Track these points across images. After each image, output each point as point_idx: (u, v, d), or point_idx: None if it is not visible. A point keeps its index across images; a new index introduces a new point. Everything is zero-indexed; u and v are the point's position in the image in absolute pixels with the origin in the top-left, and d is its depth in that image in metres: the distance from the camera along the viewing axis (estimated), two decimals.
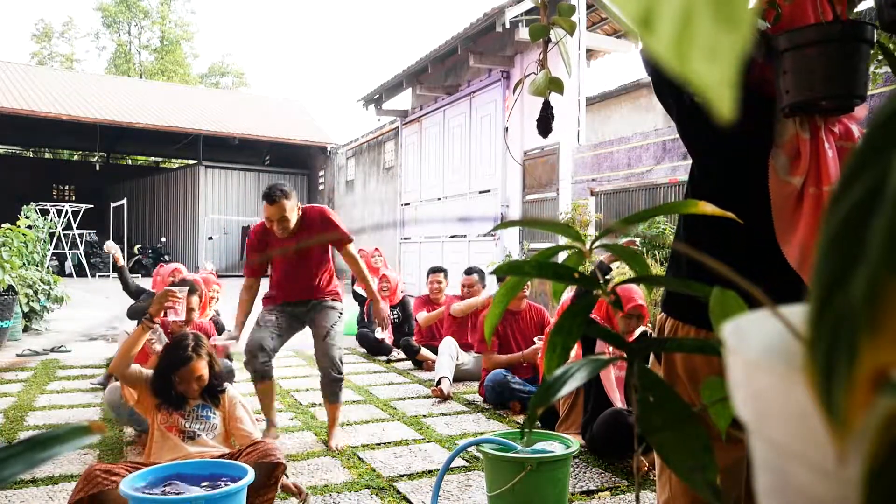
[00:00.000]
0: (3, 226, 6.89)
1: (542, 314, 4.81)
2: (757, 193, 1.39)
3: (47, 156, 28.08)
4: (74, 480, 2.81)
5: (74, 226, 16.16)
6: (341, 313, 3.55)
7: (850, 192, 0.26)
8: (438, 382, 4.55)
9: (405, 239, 12.76)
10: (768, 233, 1.40)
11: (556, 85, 1.73)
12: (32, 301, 6.94)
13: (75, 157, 28.17)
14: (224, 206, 18.52)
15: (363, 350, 6.46)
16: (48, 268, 8.04)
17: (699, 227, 1.52)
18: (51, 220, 10.08)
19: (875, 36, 1.30)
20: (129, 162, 26.71)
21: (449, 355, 4.82)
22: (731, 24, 0.25)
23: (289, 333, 3.55)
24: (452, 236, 11.07)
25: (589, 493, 2.76)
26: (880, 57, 2.60)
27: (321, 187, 18.64)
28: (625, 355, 0.58)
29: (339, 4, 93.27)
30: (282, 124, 19.72)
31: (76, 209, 16.20)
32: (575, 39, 8.30)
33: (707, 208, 0.59)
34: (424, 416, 4.01)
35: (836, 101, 1.29)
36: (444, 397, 4.45)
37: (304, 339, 7.09)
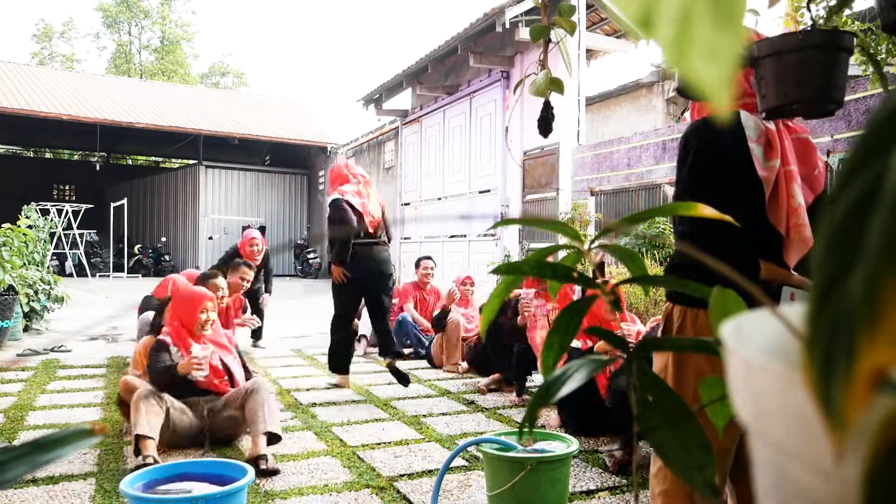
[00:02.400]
0: (3, 226, 6.89)
1: (439, 294, 6.49)
2: (743, 189, 1.62)
3: (47, 156, 28.09)
4: (75, 480, 2.81)
5: (75, 226, 16.16)
6: None
7: (848, 191, 0.26)
8: (358, 339, 6.18)
9: (405, 239, 12.76)
10: (759, 231, 1.61)
11: (556, 85, 1.73)
12: (33, 301, 6.94)
13: (75, 157, 28.17)
14: (224, 206, 18.52)
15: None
16: (48, 268, 8.04)
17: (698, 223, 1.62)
18: (51, 220, 10.08)
19: (854, 44, 1.36)
20: (129, 162, 26.71)
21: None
22: (730, 25, 0.25)
23: None
24: (452, 236, 11.07)
25: (589, 493, 2.76)
26: (880, 57, 2.60)
27: (321, 187, 18.65)
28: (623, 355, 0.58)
29: (339, 4, 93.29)
30: (282, 124, 19.72)
31: (76, 209, 16.20)
32: (575, 39, 8.30)
33: (705, 211, 0.59)
34: (424, 416, 4.01)
35: (807, 105, 1.36)
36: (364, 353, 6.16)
37: (305, 339, 7.10)
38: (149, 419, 2.97)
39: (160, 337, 3.40)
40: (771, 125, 1.60)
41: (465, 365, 5.45)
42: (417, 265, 6.70)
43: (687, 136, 1.69)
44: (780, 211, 1.59)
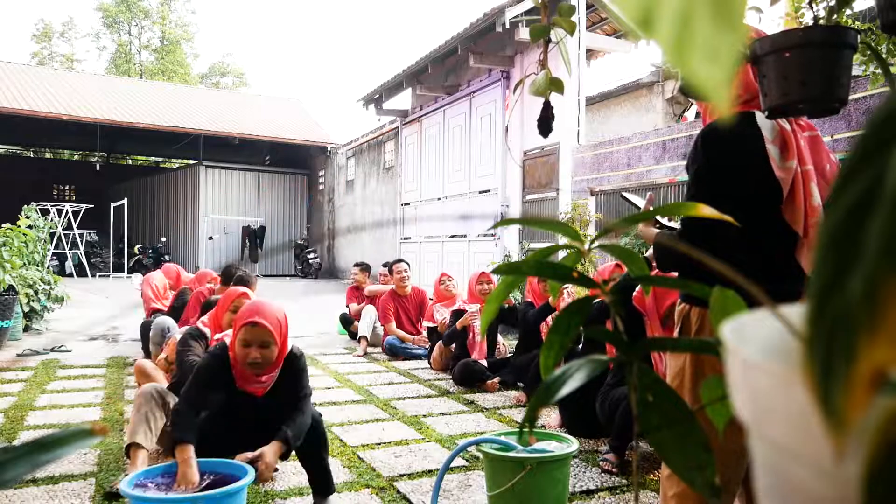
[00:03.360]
0: (3, 226, 6.89)
1: (422, 295, 6.45)
2: (755, 190, 1.64)
3: (47, 156, 28.07)
4: (75, 480, 2.81)
5: (75, 226, 16.15)
6: None
7: (848, 191, 0.26)
8: (359, 340, 6.33)
9: (405, 239, 12.76)
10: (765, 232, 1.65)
11: (556, 85, 1.73)
12: (33, 301, 6.94)
13: (75, 157, 28.15)
14: (224, 206, 18.51)
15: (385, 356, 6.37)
16: (48, 267, 8.04)
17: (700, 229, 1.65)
18: (51, 220, 10.08)
19: (857, 40, 1.34)
20: (130, 162, 26.70)
21: (369, 318, 6.44)
22: (730, 25, 0.25)
23: None
24: (452, 236, 11.06)
25: (589, 493, 2.76)
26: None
27: (321, 187, 18.65)
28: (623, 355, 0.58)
29: (339, 4, 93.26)
30: (282, 124, 19.71)
31: (76, 209, 16.20)
32: (575, 39, 8.30)
33: (706, 211, 0.59)
34: (424, 416, 4.01)
35: (812, 104, 1.34)
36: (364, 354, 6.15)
37: (305, 339, 7.10)
38: (147, 426, 2.71)
39: (199, 325, 3.25)
40: (786, 125, 1.60)
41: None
42: (390, 271, 6.55)
43: (700, 139, 1.68)
44: (797, 211, 1.59)
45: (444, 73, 11.41)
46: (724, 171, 1.62)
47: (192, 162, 19.62)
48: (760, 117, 1.61)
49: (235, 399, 2.44)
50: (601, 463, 3.06)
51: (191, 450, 2.24)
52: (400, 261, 6.61)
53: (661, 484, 1.75)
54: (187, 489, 2.17)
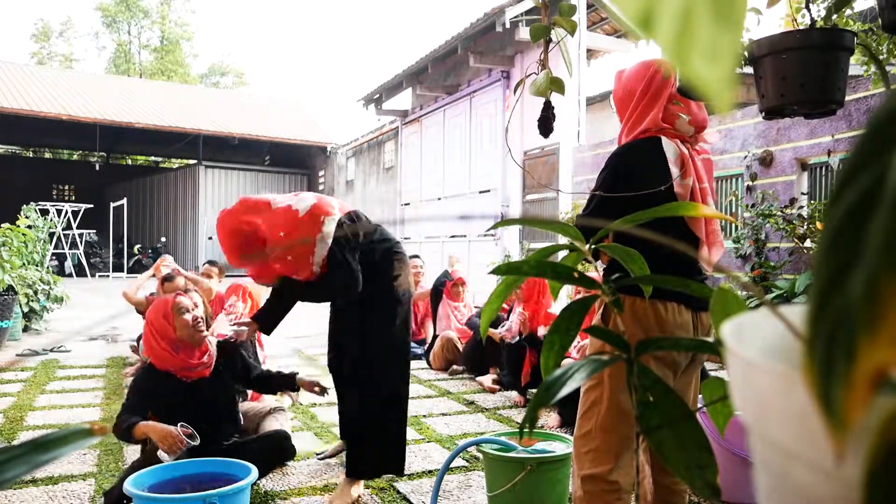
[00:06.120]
0: (3, 226, 6.89)
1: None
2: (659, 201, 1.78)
3: (47, 156, 28.07)
4: (74, 480, 2.81)
5: (74, 226, 16.15)
6: None
7: (848, 191, 0.26)
8: None
9: (405, 239, 12.76)
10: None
11: (557, 85, 1.73)
12: (32, 301, 6.94)
13: (75, 157, 28.15)
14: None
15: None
16: (48, 268, 8.04)
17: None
18: (51, 220, 10.07)
19: (854, 43, 1.35)
20: (129, 162, 26.70)
21: None
22: (730, 24, 0.25)
23: None
24: (452, 236, 11.06)
25: None
26: (882, 57, 2.60)
27: (321, 187, 18.64)
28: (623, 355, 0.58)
29: (339, 4, 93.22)
30: (282, 124, 19.72)
31: (76, 209, 16.20)
32: (575, 39, 8.30)
33: (705, 210, 0.59)
34: (424, 416, 4.01)
35: (807, 105, 1.35)
36: None
37: (305, 339, 7.10)
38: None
39: (151, 364, 2.73)
40: (685, 150, 1.87)
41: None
42: None
43: (611, 158, 1.91)
44: (699, 220, 1.87)
45: (444, 73, 11.41)
46: (628, 180, 1.84)
47: (191, 162, 19.62)
48: (665, 142, 1.84)
49: (185, 391, 2.71)
50: None
51: (143, 422, 2.49)
52: (415, 256, 6.42)
53: (574, 443, 1.87)
54: (175, 446, 2.40)
